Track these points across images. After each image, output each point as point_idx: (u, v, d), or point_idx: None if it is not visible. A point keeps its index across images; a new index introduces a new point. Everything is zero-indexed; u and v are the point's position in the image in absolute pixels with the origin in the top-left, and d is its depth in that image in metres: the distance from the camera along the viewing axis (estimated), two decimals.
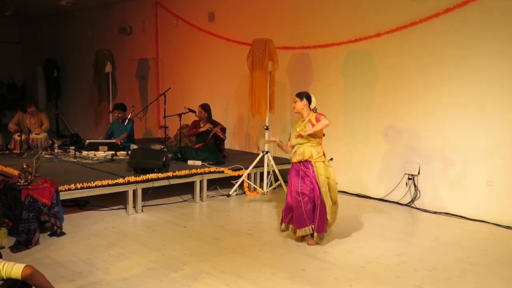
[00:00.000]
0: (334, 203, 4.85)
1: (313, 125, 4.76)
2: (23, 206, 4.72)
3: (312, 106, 4.87)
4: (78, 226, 5.31)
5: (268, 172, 7.08)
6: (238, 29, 8.69)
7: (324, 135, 4.94)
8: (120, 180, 5.76)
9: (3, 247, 4.48)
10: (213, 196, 6.82)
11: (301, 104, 4.85)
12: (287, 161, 7.71)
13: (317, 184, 4.74)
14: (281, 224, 5.05)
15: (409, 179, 6.52)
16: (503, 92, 5.66)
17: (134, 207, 5.91)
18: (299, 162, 4.82)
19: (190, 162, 6.96)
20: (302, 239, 4.92)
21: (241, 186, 7.00)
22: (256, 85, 6.81)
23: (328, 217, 4.78)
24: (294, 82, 7.90)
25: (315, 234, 4.77)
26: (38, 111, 8.54)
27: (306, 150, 4.77)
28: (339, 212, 4.97)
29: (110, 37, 11.70)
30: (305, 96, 4.87)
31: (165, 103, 8.39)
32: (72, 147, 7.92)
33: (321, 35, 7.41)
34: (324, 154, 4.86)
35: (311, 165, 4.77)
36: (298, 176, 4.83)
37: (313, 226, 4.77)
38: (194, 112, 7.42)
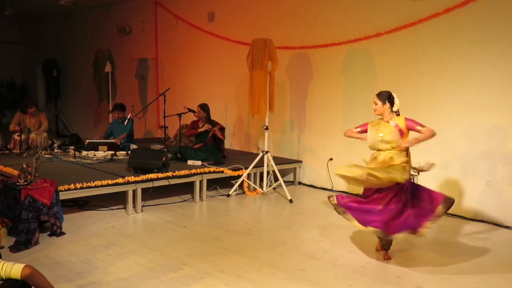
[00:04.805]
0: None
1: (400, 130, 4.46)
2: (22, 206, 4.71)
3: (394, 108, 4.55)
4: (77, 226, 5.30)
5: (268, 172, 7.08)
6: (238, 29, 8.68)
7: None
8: (120, 180, 5.76)
9: (2, 247, 4.47)
10: (213, 196, 6.81)
11: (382, 108, 4.53)
12: (287, 161, 7.76)
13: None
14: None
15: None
16: (503, 92, 5.66)
17: (134, 207, 5.90)
18: None
19: (189, 162, 6.96)
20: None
21: (241, 186, 7.00)
22: (256, 85, 6.80)
23: None
24: (294, 82, 7.90)
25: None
26: (38, 111, 8.53)
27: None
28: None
29: (110, 37, 11.69)
30: (387, 98, 4.52)
31: (164, 103, 8.38)
32: (72, 147, 7.92)
33: (321, 35, 7.40)
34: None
35: None
36: None
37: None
38: (194, 112, 7.43)
